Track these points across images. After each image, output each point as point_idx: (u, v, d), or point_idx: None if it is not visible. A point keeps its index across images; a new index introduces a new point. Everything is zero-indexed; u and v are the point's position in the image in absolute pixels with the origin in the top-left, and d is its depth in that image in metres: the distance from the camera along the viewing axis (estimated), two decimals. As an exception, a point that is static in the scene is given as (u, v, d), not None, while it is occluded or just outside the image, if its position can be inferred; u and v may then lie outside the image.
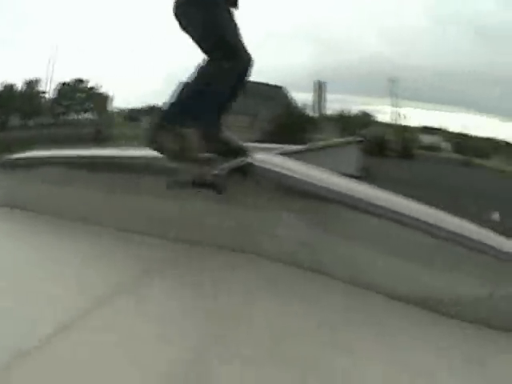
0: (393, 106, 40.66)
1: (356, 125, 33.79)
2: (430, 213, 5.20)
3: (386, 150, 29.63)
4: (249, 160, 4.73)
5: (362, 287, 4.22)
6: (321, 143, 17.22)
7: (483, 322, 4.34)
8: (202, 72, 4.07)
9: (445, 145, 40.93)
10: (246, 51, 4.22)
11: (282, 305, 3.78)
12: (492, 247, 4.64)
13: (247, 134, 19.74)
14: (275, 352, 3.20)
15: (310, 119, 32.53)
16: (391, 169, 20.03)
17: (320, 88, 40.95)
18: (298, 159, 9.02)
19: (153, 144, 4.04)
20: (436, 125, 44.55)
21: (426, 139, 40.04)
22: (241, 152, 4.43)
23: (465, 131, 43.81)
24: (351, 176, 10.10)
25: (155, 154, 4.82)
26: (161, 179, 4.36)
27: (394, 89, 40.84)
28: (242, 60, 4.17)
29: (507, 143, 44.53)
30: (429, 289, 4.42)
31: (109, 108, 44.10)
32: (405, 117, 40.82)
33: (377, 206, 4.39)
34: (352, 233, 4.37)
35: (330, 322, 3.67)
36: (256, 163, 4.65)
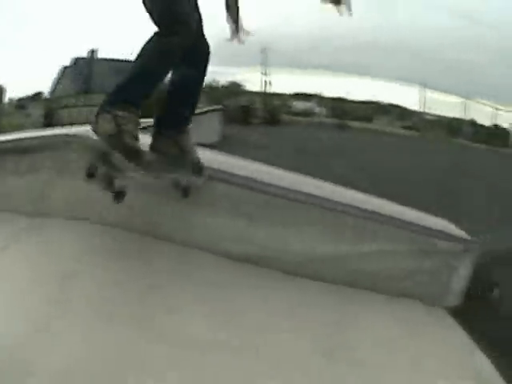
0: (264, 74, 40.66)
1: (225, 95, 33.52)
2: (263, 170, 5.57)
3: (251, 117, 29.43)
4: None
5: (196, 248, 4.54)
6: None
7: (328, 280, 4.61)
8: (143, 49, 3.89)
9: (319, 110, 40.87)
10: (202, 37, 4.08)
11: (116, 269, 4.01)
12: (339, 203, 5.00)
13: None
14: (108, 312, 3.49)
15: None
16: (253, 135, 20.16)
17: None
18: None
19: (94, 127, 3.70)
20: (313, 91, 44.23)
21: (299, 105, 40.00)
22: (195, 169, 4.25)
23: (344, 96, 43.61)
24: (210, 144, 9.97)
25: (19, 135, 5.06)
26: (21, 159, 4.60)
27: (267, 58, 40.86)
28: (191, 39, 3.88)
29: (392, 105, 45.02)
30: (263, 247, 4.73)
31: (4, 100, 42.85)
32: (271, 84, 40.72)
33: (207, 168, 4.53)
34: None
35: (160, 283, 3.92)
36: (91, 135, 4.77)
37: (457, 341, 4.75)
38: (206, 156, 5.05)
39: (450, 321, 5.06)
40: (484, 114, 40.40)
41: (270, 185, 4.84)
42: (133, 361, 3.18)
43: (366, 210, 4.94)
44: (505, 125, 40.24)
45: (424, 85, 39.05)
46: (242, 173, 4.91)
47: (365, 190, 5.84)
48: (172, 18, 3.86)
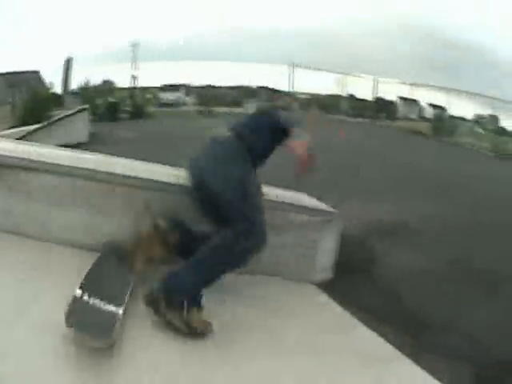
0: (134, 69, 40.96)
1: (97, 94, 33.99)
2: (108, 162, 5.86)
3: (119, 113, 30.08)
4: None
5: (54, 242, 4.89)
6: (54, 118, 17.55)
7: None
8: (216, 247, 4.08)
9: (187, 99, 41.04)
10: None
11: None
12: (179, 185, 5.01)
13: (8, 123, 20.40)
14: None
15: (55, 97, 32.46)
16: (120, 130, 19.99)
17: (68, 64, 40.69)
18: (36, 137, 10.42)
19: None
20: (181, 81, 44.46)
21: (167, 96, 40.16)
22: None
23: (213, 83, 43.81)
24: (78, 143, 11.19)
25: None
26: None
27: (138, 53, 41.08)
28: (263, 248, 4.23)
29: (261, 87, 45.12)
30: (112, 235, 4.91)
31: None
32: (138, 78, 41.27)
33: (46, 164, 5.02)
34: (35, 193, 5.01)
35: (24, 277, 4.13)
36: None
37: (329, 316, 4.94)
38: (46, 151, 5.78)
39: (322, 296, 5.05)
40: (366, 89, 40.79)
41: (113, 174, 5.09)
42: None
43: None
44: (390, 97, 40.95)
45: (293, 64, 39.18)
46: (87, 165, 5.16)
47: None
48: (254, 227, 4.13)
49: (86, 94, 34.03)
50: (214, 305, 4.25)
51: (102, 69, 42.14)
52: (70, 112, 18.24)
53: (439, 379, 4.10)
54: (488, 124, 36.72)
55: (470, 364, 4.50)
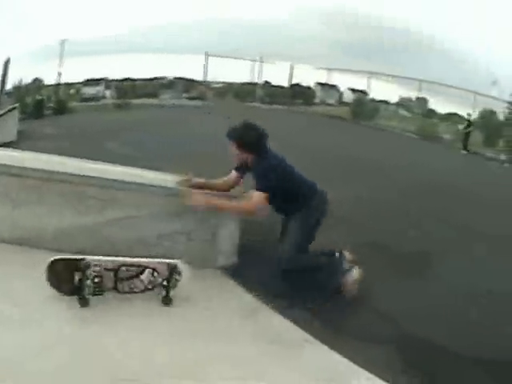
0: (61, 66, 40.75)
1: (28, 92, 34.34)
2: (25, 157, 6.19)
3: (44, 110, 30.55)
4: None
5: None
6: (-16, 120, 17.86)
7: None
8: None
9: (106, 92, 40.95)
10: None
11: None
12: (79, 176, 5.45)
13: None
14: None
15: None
16: (44, 127, 21.31)
17: (6, 65, 40.29)
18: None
19: None
20: (102, 75, 44.15)
21: (88, 91, 40.20)
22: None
23: (132, 75, 43.57)
24: (8, 142, 11.90)
25: None
26: None
27: (64, 49, 40.74)
28: None
29: (177, 78, 44.90)
30: (26, 228, 5.23)
31: None
32: (61, 75, 41.18)
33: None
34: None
35: None
36: None
37: (234, 301, 5.11)
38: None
39: (226, 281, 5.06)
40: (282, 76, 40.58)
41: (26, 168, 5.29)
42: None
43: (106, 179, 5.06)
44: (307, 83, 40.90)
45: (207, 54, 38.97)
46: (4, 162, 5.41)
47: (135, 164, 5.79)
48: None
49: (18, 93, 34.92)
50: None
51: (38, 67, 41.80)
52: (1, 112, 18.86)
53: (357, 363, 4.23)
54: (415, 107, 37.08)
55: (389, 347, 4.65)
